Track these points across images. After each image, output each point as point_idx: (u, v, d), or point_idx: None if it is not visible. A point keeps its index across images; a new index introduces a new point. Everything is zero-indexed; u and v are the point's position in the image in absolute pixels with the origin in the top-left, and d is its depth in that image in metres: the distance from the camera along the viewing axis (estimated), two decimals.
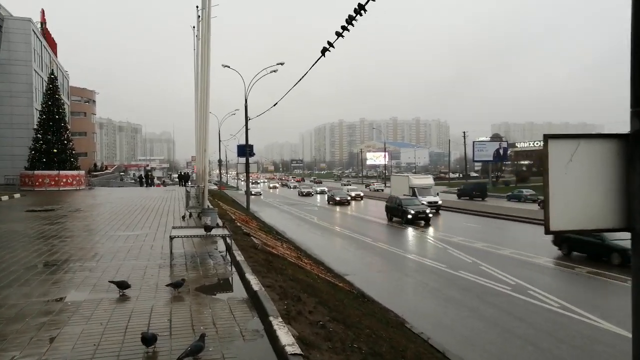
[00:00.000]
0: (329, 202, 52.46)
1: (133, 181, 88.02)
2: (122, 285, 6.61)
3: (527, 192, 56.02)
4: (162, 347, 4.62)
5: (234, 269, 8.09)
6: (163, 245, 10.33)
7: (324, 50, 14.94)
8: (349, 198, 51.42)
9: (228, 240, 9.14)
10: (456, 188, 71.58)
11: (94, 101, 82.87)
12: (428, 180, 46.71)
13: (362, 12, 13.32)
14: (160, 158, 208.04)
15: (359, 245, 24.68)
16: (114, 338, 4.90)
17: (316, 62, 15.30)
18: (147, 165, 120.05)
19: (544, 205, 3.30)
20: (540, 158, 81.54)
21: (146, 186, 51.35)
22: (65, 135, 39.93)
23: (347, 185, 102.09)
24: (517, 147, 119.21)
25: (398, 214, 34.29)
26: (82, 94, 78.07)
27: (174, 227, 9.70)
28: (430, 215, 33.51)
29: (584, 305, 13.31)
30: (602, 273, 17.24)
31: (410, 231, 29.30)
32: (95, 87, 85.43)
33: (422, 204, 36.03)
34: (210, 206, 19.48)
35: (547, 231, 3.28)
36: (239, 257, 8.62)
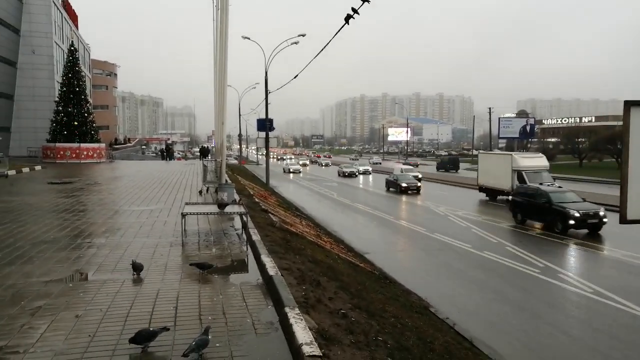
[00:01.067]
0: (388, 189, 39.48)
1: (154, 155, 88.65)
2: (137, 268, 6.13)
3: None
4: (165, 340, 4.11)
5: (249, 249, 7.57)
6: (177, 221, 9.86)
7: (347, 18, 14.09)
8: (418, 184, 37.94)
9: (244, 218, 8.59)
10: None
11: (115, 74, 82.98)
12: (541, 160, 32.08)
13: None
14: (182, 132, 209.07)
15: (379, 222, 24.07)
16: (112, 328, 4.40)
17: (340, 29, 14.50)
18: (168, 139, 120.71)
19: (621, 188, 2.63)
20: (567, 136, 79.08)
21: (167, 160, 51.36)
22: (86, 108, 39.87)
23: (355, 160, 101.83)
24: (544, 124, 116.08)
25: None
26: (103, 67, 78.09)
27: (187, 204, 9.19)
28: None
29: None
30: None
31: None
32: (116, 60, 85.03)
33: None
34: (229, 181, 19.05)
35: (623, 220, 2.63)
36: (255, 236, 8.07)
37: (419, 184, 37.86)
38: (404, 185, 37.33)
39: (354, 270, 10.17)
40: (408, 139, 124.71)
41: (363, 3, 12.92)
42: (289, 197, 32.61)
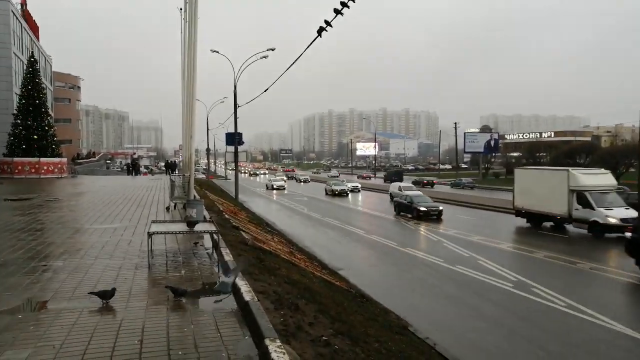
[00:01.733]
0: (398, 213, 32.14)
1: (119, 169, 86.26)
2: (105, 295, 5.52)
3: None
4: None
5: (221, 270, 7.06)
6: (142, 240, 9.24)
7: (320, 30, 13.88)
8: (440, 208, 30.52)
9: (215, 237, 8.09)
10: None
11: (78, 87, 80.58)
12: (607, 178, 25.79)
13: None
14: (148, 146, 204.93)
15: (351, 237, 23.77)
16: None
17: (313, 41, 14.28)
18: (134, 154, 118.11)
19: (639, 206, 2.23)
20: (529, 150, 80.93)
21: (132, 175, 49.91)
22: (47, 121, 38.33)
23: (336, 176, 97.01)
24: (506, 139, 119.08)
25: None
26: (66, 79, 75.73)
27: (153, 222, 8.59)
28: None
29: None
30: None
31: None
32: (80, 73, 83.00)
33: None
34: (197, 196, 18.38)
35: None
36: (227, 256, 7.57)
37: (440, 208, 30.53)
38: (422, 209, 29.66)
39: (330, 289, 9.76)
40: (376, 153, 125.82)
41: (336, 16, 12.73)
42: (259, 212, 32.02)
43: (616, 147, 73.69)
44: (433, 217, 29.85)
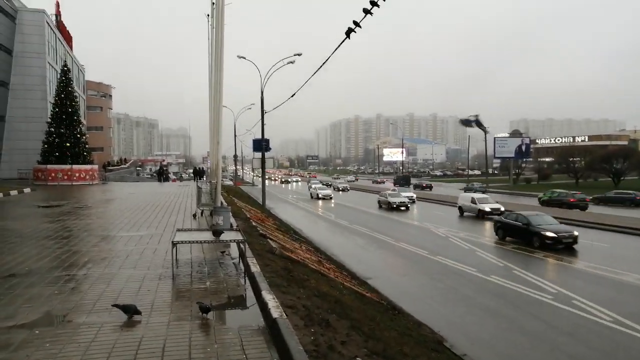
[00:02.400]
0: (504, 237, 23.80)
1: (149, 176, 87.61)
2: (129, 310, 5.23)
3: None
4: None
5: (248, 282, 6.71)
6: (168, 249, 8.98)
7: (349, 32, 13.50)
8: (575, 234, 21.55)
9: (242, 246, 7.75)
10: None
11: (110, 96, 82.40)
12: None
13: None
14: (177, 153, 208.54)
15: (379, 244, 23.19)
16: None
17: (341, 43, 13.91)
18: (163, 161, 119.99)
19: None
20: (562, 155, 78.38)
21: (161, 181, 50.49)
22: (79, 129, 39.07)
23: (337, 179, 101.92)
24: (537, 143, 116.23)
25: None
26: (98, 88, 77.56)
27: (178, 230, 8.32)
28: None
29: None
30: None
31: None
32: (112, 81, 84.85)
33: None
34: (224, 203, 18.22)
35: None
36: (254, 266, 7.22)
37: (575, 233, 21.61)
38: (549, 234, 21.02)
39: (362, 302, 9.30)
40: (403, 159, 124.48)
41: (365, 15, 12.34)
42: (286, 218, 31.76)
43: None
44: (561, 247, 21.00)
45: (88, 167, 38.69)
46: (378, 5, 11.91)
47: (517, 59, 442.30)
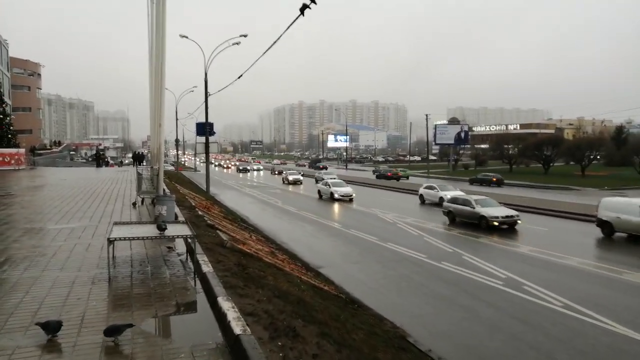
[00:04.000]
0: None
1: (84, 161, 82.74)
2: (48, 327, 4.14)
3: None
4: None
5: (199, 284, 5.85)
6: (104, 245, 7.91)
7: (303, 8, 12.63)
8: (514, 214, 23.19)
9: (191, 242, 6.83)
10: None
11: (39, 74, 76.56)
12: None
13: None
14: (114, 137, 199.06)
15: (329, 232, 22.71)
16: None
17: (294, 21, 12.99)
18: (100, 144, 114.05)
19: None
20: (497, 142, 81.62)
21: (97, 166, 47.56)
22: (2, 109, 35.84)
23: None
24: (474, 131, 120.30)
25: None
26: (24, 65, 71.75)
27: (115, 224, 7.22)
28: None
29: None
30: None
31: None
32: (42, 60, 78.34)
33: None
34: (167, 191, 16.97)
35: None
36: (206, 265, 6.34)
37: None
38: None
39: (321, 297, 8.66)
40: (347, 145, 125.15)
41: None
42: (232, 205, 30.64)
43: (581, 139, 74.91)
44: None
45: (13, 150, 35.60)
46: None
47: (454, 51, 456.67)
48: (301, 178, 54.17)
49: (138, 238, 6.28)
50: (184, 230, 6.97)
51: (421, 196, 35.81)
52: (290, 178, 53.26)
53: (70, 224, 10.65)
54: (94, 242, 8.48)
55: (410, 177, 62.76)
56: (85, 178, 26.86)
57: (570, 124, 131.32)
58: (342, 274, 14.94)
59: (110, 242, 6.12)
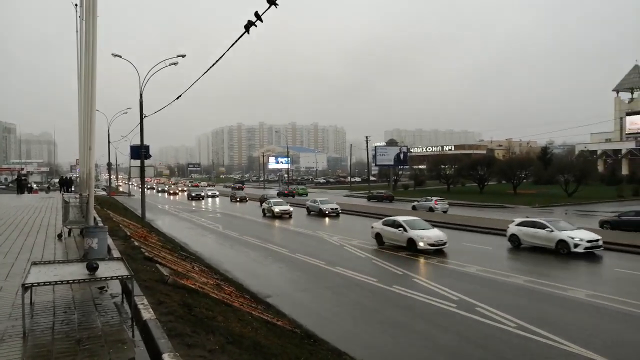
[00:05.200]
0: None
1: (4, 187, 76.64)
2: None
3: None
4: None
5: (138, 334, 4.92)
6: (19, 288, 6.72)
7: (248, 25, 12.01)
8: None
9: (128, 284, 5.84)
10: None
11: None
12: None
13: None
14: (39, 161, 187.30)
15: (274, 257, 21.83)
16: None
17: (239, 38, 12.28)
18: (22, 169, 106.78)
19: None
20: (434, 163, 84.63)
21: (18, 193, 43.89)
22: None
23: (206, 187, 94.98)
24: (411, 152, 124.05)
25: None
26: None
27: (34, 264, 6.03)
28: None
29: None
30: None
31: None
32: None
33: None
34: (99, 220, 15.52)
35: None
36: (146, 311, 5.37)
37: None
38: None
39: (276, 334, 7.85)
40: (289, 166, 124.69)
41: (270, 6, 10.99)
42: (169, 231, 29.00)
43: (512, 159, 78.90)
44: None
45: None
46: None
47: (389, 76, 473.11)
48: (291, 209, 40.62)
49: (62, 282, 5.22)
50: (119, 268, 5.97)
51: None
52: (277, 210, 39.66)
53: None
54: (8, 285, 7.22)
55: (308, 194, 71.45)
56: (4, 206, 24.43)
57: (500, 145, 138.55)
58: (292, 304, 14.17)
59: (26, 288, 5.06)
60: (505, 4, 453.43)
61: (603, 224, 28.77)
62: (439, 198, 47.11)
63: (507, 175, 65.99)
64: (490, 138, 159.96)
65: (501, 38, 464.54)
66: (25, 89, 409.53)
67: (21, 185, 47.23)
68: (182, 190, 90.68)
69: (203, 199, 68.45)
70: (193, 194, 69.73)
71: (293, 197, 66.95)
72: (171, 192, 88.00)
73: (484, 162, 72.21)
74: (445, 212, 42.58)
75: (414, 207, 45.54)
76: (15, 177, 68.52)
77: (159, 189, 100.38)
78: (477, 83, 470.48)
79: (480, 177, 68.91)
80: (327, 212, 40.26)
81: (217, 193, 75.42)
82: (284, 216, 39.04)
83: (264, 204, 43.56)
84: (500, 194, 61.44)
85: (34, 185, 66.04)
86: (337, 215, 40.86)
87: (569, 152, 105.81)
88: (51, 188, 67.34)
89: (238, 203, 60.54)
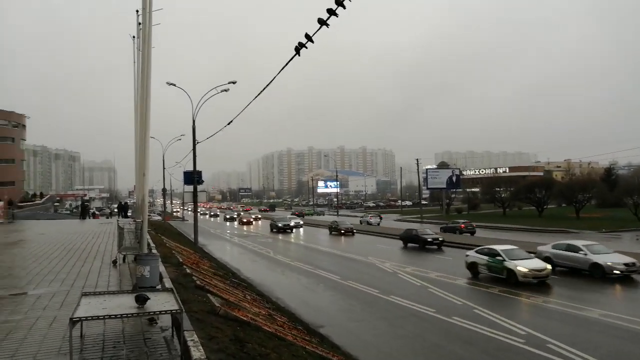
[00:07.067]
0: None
1: (69, 212, 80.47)
2: None
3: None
4: None
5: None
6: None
7: (298, 48, 11.85)
8: None
9: (178, 318, 5.50)
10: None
11: (24, 126, 75.55)
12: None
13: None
14: (101, 187, 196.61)
15: (325, 284, 21.23)
16: None
17: (289, 61, 12.17)
18: (85, 195, 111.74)
19: None
20: (488, 186, 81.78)
21: (81, 218, 45.69)
22: None
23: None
24: (464, 175, 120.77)
25: None
26: (9, 117, 70.80)
27: (84, 294, 5.85)
28: None
29: None
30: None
31: None
32: (27, 111, 77.37)
33: None
34: (152, 246, 15.58)
35: None
36: (196, 349, 5.00)
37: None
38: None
39: None
40: (338, 190, 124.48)
41: (321, 27, 10.78)
42: (220, 256, 29.06)
43: (573, 181, 74.81)
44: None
45: None
46: (337, 15, 10.39)
47: (439, 96, 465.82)
48: (292, 224, 55.34)
49: (109, 316, 4.96)
50: (169, 301, 5.66)
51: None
52: (281, 224, 53.84)
53: (37, 290, 9.23)
54: (61, 314, 7.09)
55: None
56: (66, 232, 25.30)
57: (558, 166, 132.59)
58: (347, 335, 13.50)
59: (74, 322, 4.81)
60: (566, 20, 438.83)
61: None
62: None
63: (568, 198, 62.59)
64: (547, 159, 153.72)
65: (560, 55, 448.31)
66: (89, 119, 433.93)
67: (84, 210, 49.20)
68: (258, 218, 73.52)
69: (291, 231, 51.68)
70: (280, 225, 51.94)
71: (303, 217, 77.22)
72: (244, 220, 68.68)
73: (542, 184, 68.86)
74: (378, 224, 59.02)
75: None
76: (79, 202, 71.75)
77: (227, 216, 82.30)
78: (531, 103, 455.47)
79: (539, 200, 65.72)
80: (343, 231, 47.22)
81: (301, 222, 59.35)
82: (287, 231, 50.06)
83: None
84: (561, 218, 58.24)
85: (95, 211, 68.89)
86: (353, 234, 47.05)
87: (635, 172, 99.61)
88: (112, 213, 69.79)
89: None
